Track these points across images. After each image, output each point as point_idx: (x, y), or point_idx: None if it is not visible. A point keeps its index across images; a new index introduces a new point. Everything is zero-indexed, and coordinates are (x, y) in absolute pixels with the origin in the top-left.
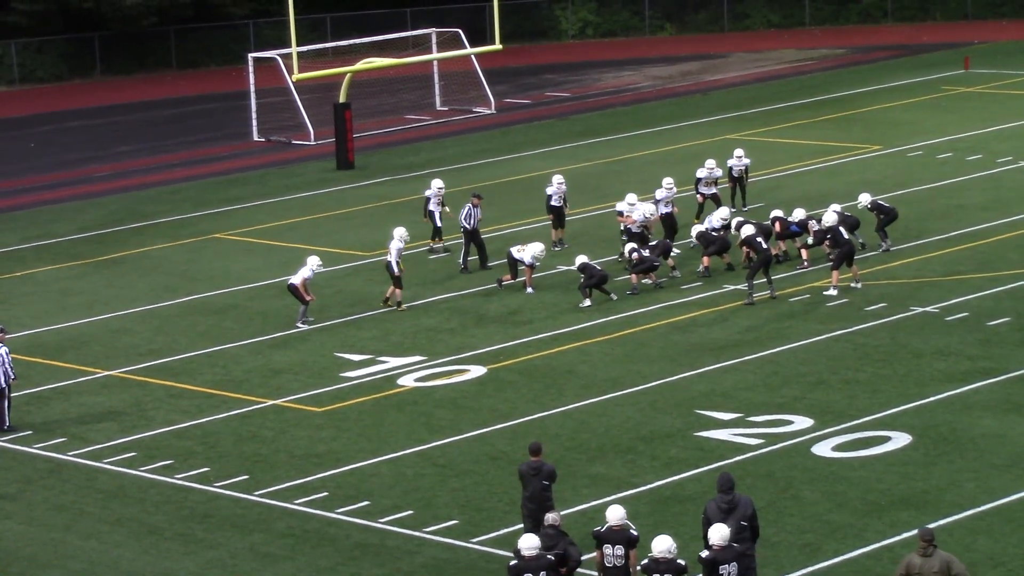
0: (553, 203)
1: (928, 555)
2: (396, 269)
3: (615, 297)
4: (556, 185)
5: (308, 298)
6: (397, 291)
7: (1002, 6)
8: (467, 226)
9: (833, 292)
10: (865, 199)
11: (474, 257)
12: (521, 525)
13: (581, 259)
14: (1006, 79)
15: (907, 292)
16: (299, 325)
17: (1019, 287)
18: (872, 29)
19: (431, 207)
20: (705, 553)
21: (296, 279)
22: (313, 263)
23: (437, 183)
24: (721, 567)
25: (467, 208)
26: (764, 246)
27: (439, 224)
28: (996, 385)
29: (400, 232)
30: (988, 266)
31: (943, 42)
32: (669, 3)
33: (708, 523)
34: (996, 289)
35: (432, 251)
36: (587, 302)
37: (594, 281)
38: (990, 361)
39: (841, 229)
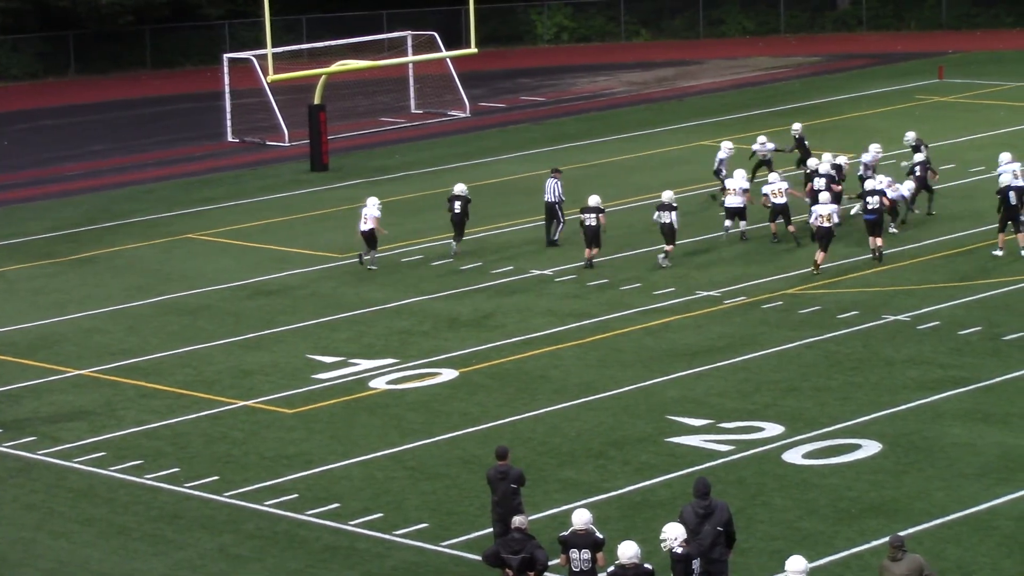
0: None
1: (897, 559)
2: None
3: (373, 267)
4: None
5: (383, 232)
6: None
7: (976, 16)
8: (553, 199)
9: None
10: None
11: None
12: (491, 529)
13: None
14: (980, 89)
15: (880, 300)
16: (371, 267)
17: (990, 296)
18: (847, 37)
19: (721, 167)
20: (679, 549)
21: (369, 223)
22: (374, 203)
23: (727, 144)
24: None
25: (551, 182)
26: None
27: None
28: (966, 394)
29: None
30: (961, 275)
31: (918, 51)
32: (645, 9)
33: (685, 527)
34: (968, 298)
35: (715, 197)
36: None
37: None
38: (961, 370)
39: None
